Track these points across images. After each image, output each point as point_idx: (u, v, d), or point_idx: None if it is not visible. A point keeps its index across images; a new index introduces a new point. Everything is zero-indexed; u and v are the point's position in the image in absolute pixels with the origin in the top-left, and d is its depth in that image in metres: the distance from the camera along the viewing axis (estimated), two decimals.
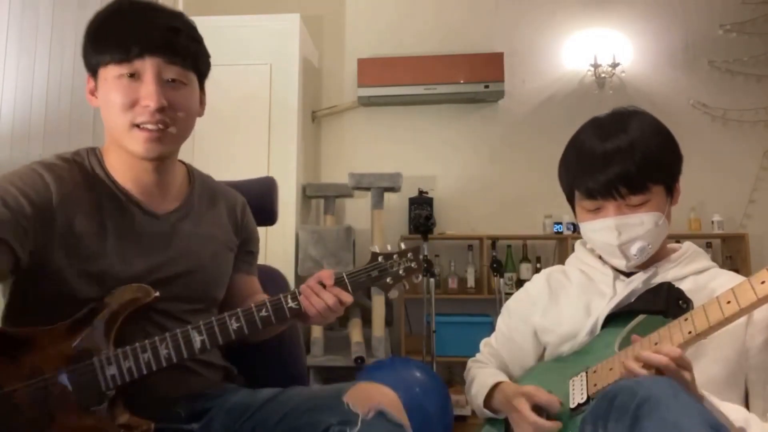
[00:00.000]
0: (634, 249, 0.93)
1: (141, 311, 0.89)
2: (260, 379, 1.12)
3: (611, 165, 0.91)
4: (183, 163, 1.06)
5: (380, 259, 0.99)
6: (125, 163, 0.94)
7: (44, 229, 0.85)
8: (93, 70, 0.92)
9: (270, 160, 2.96)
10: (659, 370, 0.75)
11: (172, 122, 0.90)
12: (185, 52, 0.91)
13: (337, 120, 3.63)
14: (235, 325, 0.89)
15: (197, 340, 0.87)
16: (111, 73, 0.88)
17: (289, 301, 0.92)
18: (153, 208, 0.96)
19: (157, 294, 0.89)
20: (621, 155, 0.91)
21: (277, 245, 2.82)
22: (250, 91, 2.99)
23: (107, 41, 0.88)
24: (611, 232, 0.93)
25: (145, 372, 0.85)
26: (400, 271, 0.99)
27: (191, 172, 1.07)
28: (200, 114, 1.00)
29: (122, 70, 0.87)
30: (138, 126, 0.88)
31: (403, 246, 1.03)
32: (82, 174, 0.93)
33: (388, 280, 0.99)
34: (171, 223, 0.98)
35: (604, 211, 0.94)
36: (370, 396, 0.87)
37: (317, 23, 3.62)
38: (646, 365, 0.76)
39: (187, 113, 0.93)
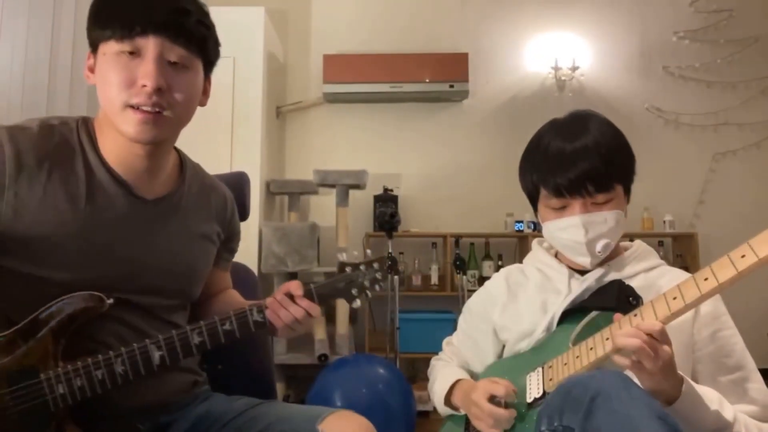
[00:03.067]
0: (599, 246, 0.96)
1: (97, 318, 0.83)
2: (223, 376, 1.11)
3: (579, 163, 0.93)
4: (176, 150, 1.01)
5: (348, 269, 0.96)
6: (116, 143, 0.87)
7: None
8: (93, 46, 0.86)
9: (233, 156, 2.92)
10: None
11: (169, 106, 0.85)
12: (191, 34, 0.86)
13: (302, 116, 3.60)
14: (197, 340, 0.85)
15: (156, 356, 0.83)
16: (111, 49, 0.83)
17: (255, 314, 0.89)
18: (140, 193, 0.90)
19: (111, 302, 0.82)
20: (588, 153, 0.94)
21: (240, 242, 2.78)
22: (213, 85, 2.91)
23: (110, 16, 0.83)
24: (578, 230, 0.95)
25: (99, 391, 0.79)
26: (366, 282, 0.97)
27: (184, 161, 1.01)
28: (203, 103, 0.96)
29: (123, 47, 0.82)
30: (132, 107, 0.83)
31: (369, 253, 1.01)
32: (63, 144, 0.86)
33: (353, 291, 0.96)
34: (158, 211, 0.92)
35: (570, 209, 0.96)
36: (346, 426, 0.84)
37: (282, 17, 3.58)
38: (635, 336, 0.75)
39: (187, 98, 0.88)
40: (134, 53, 0.82)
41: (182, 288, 0.96)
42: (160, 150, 0.90)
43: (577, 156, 0.94)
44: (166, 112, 0.85)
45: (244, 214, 1.28)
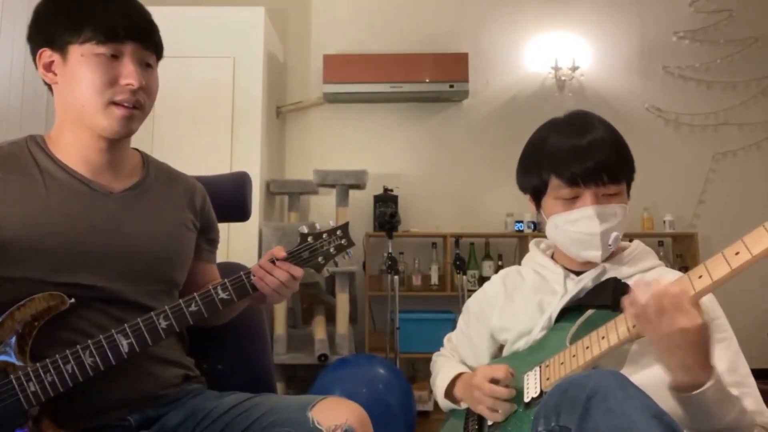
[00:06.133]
0: (611, 239, 0.96)
1: (83, 311, 0.85)
2: (223, 377, 1.11)
3: (596, 153, 0.95)
4: (137, 150, 1.06)
5: (310, 239, 0.98)
6: (76, 144, 0.93)
7: None
8: (60, 46, 0.90)
9: (233, 156, 2.92)
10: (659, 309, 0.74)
11: (144, 102, 0.94)
12: (157, 42, 0.97)
13: (302, 116, 3.60)
14: (164, 324, 0.86)
15: (124, 344, 0.83)
16: (89, 50, 0.89)
17: (220, 292, 0.91)
18: (104, 187, 0.95)
19: (72, 301, 0.84)
20: (603, 145, 0.96)
21: (239, 242, 2.78)
22: (213, 85, 2.93)
23: (89, 21, 0.88)
24: (592, 221, 0.95)
25: (71, 384, 0.80)
26: (331, 250, 0.99)
27: (145, 158, 1.06)
28: None
29: (106, 50, 0.89)
30: (115, 104, 0.90)
31: (332, 224, 1.01)
32: (12, 157, 0.91)
33: (320, 259, 0.98)
34: (125, 201, 0.96)
35: (581, 200, 0.96)
36: (337, 412, 0.85)
37: (282, 17, 3.58)
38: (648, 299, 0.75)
39: (154, 93, 0.98)
40: (115, 56, 0.90)
41: (164, 271, 0.98)
42: (120, 143, 0.97)
43: (592, 147, 0.96)
44: (142, 108, 0.94)
45: (245, 214, 1.28)
